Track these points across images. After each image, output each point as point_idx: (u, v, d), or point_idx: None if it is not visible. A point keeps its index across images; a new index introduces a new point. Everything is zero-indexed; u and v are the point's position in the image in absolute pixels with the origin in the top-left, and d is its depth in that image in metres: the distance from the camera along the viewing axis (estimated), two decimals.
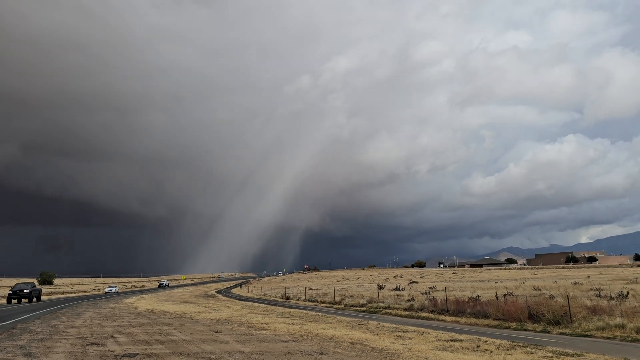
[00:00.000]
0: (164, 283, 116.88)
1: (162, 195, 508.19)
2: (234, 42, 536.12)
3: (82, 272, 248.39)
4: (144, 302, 42.13)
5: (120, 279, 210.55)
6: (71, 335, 17.28)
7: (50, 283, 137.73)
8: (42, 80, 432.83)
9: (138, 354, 12.86)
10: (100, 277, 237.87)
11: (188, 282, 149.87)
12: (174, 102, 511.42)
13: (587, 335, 16.88)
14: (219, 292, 73.14)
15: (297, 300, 45.41)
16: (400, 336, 16.42)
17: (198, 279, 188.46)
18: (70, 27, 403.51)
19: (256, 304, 39.29)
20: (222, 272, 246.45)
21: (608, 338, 16.14)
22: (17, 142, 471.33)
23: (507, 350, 13.34)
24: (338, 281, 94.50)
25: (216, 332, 17.93)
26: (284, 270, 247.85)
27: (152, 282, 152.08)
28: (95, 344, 14.85)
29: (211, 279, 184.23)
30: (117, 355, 12.63)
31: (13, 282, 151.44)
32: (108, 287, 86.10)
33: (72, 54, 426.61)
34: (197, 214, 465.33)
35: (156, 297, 55.27)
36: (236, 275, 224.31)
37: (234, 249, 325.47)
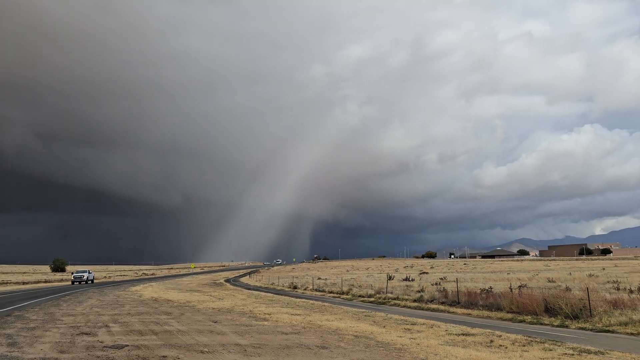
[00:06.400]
0: (84, 275, 65.64)
1: (176, 184, 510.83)
2: (248, 31, 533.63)
3: (96, 259, 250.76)
4: (150, 290, 41.69)
5: (132, 266, 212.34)
6: (64, 324, 16.60)
7: (63, 270, 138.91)
8: (54, 68, 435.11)
9: (127, 345, 12.09)
10: (112, 264, 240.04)
11: (198, 270, 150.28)
12: (186, 91, 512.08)
13: (608, 331, 15.80)
14: (227, 280, 72.72)
15: (305, 289, 44.68)
16: (409, 329, 15.51)
17: (208, 267, 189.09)
18: (82, 17, 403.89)
19: (262, 293, 38.62)
20: (232, 261, 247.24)
21: (632, 334, 15.05)
22: (31, 130, 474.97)
23: (524, 346, 12.37)
24: (347, 271, 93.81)
25: (215, 322, 17.16)
26: (294, 259, 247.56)
27: (162, 270, 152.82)
28: (87, 334, 14.14)
29: (221, 267, 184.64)
30: (104, 347, 11.87)
31: (27, 269, 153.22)
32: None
33: (84, 42, 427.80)
34: (209, 202, 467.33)
35: (164, 284, 54.94)
36: (246, 264, 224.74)
37: (245, 238, 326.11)
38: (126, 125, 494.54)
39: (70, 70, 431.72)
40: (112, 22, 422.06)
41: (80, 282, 64.03)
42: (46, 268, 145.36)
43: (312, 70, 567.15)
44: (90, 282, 66.52)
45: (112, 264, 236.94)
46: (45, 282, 72.28)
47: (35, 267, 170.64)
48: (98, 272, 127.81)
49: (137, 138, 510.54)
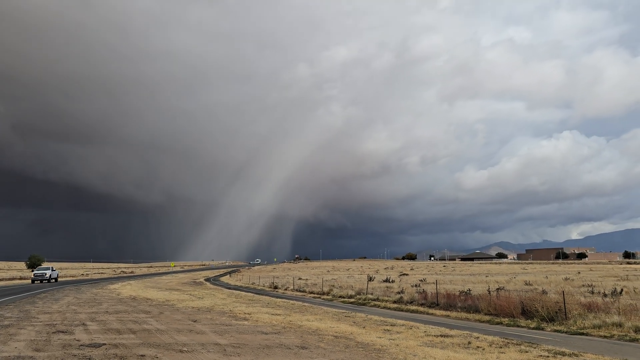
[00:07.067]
0: (46, 273, 57.56)
1: (157, 182, 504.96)
2: (232, 30, 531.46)
3: (74, 256, 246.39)
4: (129, 288, 41.22)
5: (111, 264, 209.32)
6: (40, 322, 16.35)
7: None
8: (34, 63, 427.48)
9: (105, 344, 11.97)
10: (90, 262, 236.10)
11: (178, 269, 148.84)
12: (169, 88, 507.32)
13: (583, 334, 16.14)
14: (207, 279, 72.15)
15: (285, 290, 44.62)
16: (388, 330, 15.62)
17: (188, 266, 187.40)
18: (62, 11, 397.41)
19: (242, 293, 38.47)
20: (213, 260, 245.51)
21: (605, 337, 15.41)
22: (9, 124, 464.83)
23: (500, 347, 12.57)
24: (328, 272, 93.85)
25: (195, 321, 17.06)
26: (275, 259, 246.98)
27: (141, 269, 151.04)
28: (63, 332, 13.94)
29: (201, 266, 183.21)
30: (81, 345, 11.73)
31: (3, 265, 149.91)
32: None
33: (64, 38, 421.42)
34: (191, 201, 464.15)
35: (143, 283, 54.33)
36: (227, 264, 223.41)
37: (226, 238, 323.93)
38: (107, 121, 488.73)
39: (50, 66, 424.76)
40: (93, 17, 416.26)
41: (41, 281, 56.42)
42: (22, 265, 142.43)
43: (297, 70, 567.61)
44: (54, 280, 59.33)
45: (90, 261, 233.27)
46: (20, 279, 70.85)
47: (10, 263, 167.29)
48: (75, 269, 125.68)
49: (118, 135, 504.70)
